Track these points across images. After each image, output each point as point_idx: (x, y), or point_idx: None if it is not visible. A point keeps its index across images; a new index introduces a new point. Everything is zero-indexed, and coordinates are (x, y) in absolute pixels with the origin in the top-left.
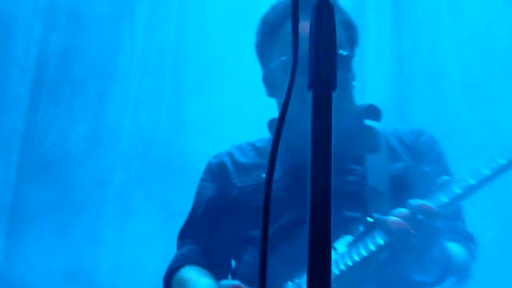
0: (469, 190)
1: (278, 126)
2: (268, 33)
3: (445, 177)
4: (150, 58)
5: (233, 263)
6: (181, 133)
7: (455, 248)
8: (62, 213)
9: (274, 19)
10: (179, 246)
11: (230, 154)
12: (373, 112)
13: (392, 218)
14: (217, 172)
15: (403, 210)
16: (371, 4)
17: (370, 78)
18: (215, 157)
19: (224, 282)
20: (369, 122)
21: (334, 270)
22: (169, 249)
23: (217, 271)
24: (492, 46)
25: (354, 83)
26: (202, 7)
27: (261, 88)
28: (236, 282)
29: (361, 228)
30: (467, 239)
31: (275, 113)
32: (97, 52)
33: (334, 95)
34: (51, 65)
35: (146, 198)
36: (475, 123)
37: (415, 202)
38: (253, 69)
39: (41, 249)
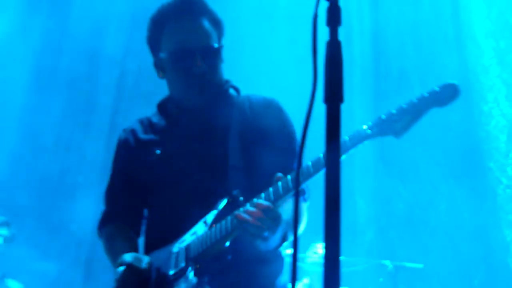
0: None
1: (304, 129)
2: (156, 30)
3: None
4: None
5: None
6: None
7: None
8: None
9: (160, 20)
10: (105, 204)
11: (133, 131)
12: (233, 85)
13: (246, 210)
14: (124, 147)
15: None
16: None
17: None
18: (123, 131)
19: (127, 255)
20: (231, 90)
21: (202, 247)
22: None
23: (132, 224)
24: None
25: (222, 65)
26: None
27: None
28: (131, 257)
29: (224, 202)
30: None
31: (166, 92)
32: None
33: (207, 71)
34: (128, 82)
35: None
36: None
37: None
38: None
39: None
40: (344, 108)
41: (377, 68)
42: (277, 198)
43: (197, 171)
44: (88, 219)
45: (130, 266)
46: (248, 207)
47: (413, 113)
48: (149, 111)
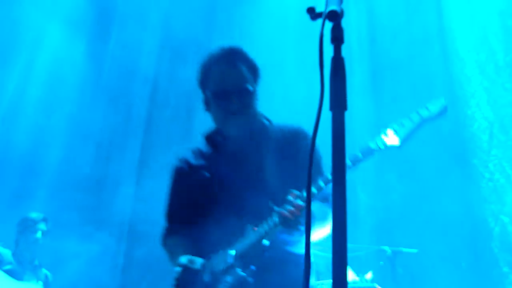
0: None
1: (314, 131)
2: (204, 73)
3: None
4: None
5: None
6: None
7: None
8: None
9: (207, 64)
10: (167, 223)
11: (186, 160)
12: (265, 117)
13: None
14: (179, 173)
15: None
16: None
17: None
18: (179, 160)
19: (182, 258)
20: (265, 121)
21: (246, 246)
22: None
23: (192, 238)
24: None
25: (256, 102)
26: None
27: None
28: (186, 259)
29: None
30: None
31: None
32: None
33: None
34: (158, 95)
35: None
36: None
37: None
38: None
39: None
40: (347, 114)
41: (375, 79)
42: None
43: (241, 190)
44: (125, 215)
45: (185, 267)
46: (288, 206)
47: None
48: (176, 121)
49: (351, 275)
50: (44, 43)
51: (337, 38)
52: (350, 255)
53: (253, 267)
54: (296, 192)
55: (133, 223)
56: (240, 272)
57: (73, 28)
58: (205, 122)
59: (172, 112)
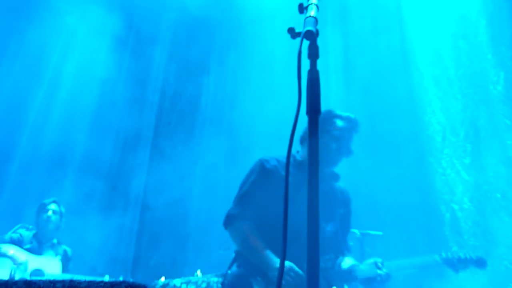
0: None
1: (292, 132)
2: (331, 119)
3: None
4: None
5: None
6: None
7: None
8: None
9: (342, 122)
10: (236, 205)
11: (276, 167)
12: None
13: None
14: (265, 173)
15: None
16: None
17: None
18: (266, 161)
19: (294, 265)
20: (335, 184)
21: None
22: None
23: (255, 226)
24: None
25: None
26: None
27: None
28: (297, 268)
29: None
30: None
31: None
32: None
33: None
34: (166, 100)
35: None
36: None
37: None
38: None
39: None
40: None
41: (347, 89)
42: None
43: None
44: (138, 197)
45: (300, 276)
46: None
47: (464, 263)
48: (181, 122)
49: None
50: (73, 51)
51: (313, 54)
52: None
53: None
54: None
55: (145, 205)
56: None
57: (97, 40)
58: (204, 123)
59: (177, 115)
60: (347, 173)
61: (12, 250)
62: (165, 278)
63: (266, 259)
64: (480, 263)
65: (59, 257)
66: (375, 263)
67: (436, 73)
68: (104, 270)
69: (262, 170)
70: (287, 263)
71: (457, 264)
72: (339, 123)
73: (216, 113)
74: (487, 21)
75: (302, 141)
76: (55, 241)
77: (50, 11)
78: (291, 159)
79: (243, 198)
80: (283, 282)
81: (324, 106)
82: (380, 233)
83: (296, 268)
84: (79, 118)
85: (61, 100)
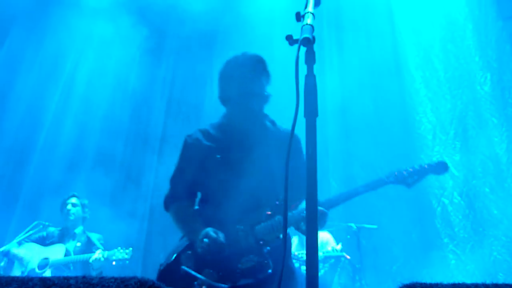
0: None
1: (291, 132)
2: (229, 73)
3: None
4: None
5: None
6: None
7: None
8: None
9: (234, 68)
10: (171, 186)
11: (198, 139)
12: (270, 118)
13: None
14: (190, 148)
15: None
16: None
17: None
18: (189, 136)
19: (210, 230)
20: (268, 122)
21: (266, 232)
22: None
23: (192, 203)
24: None
25: (266, 105)
26: None
27: None
28: (213, 233)
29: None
30: None
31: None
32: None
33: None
34: (173, 104)
35: None
36: None
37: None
38: None
39: None
40: (318, 119)
41: (342, 91)
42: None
43: (248, 175)
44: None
45: (214, 240)
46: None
47: (418, 175)
48: (187, 124)
49: (332, 242)
50: (86, 58)
51: (310, 59)
52: (323, 230)
53: (268, 248)
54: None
55: (154, 204)
56: (264, 252)
57: (109, 48)
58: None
59: (183, 118)
60: (343, 170)
61: (21, 251)
62: None
63: (191, 230)
64: (440, 167)
65: (73, 244)
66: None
67: (426, 75)
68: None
69: (186, 147)
70: (206, 229)
71: (408, 177)
72: (239, 76)
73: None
74: (474, 25)
75: (223, 103)
76: (77, 231)
77: (65, 20)
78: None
79: (174, 179)
80: (200, 250)
81: (320, 109)
82: (375, 226)
83: (212, 233)
84: (92, 121)
85: (75, 104)
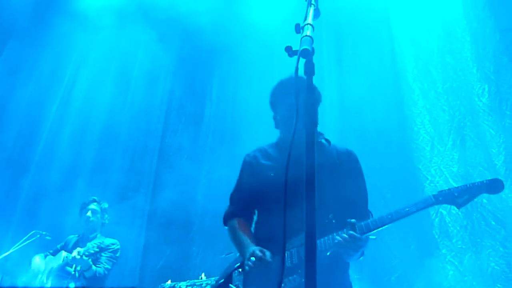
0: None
1: (290, 143)
2: (275, 99)
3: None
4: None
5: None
6: None
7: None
8: None
9: (278, 92)
10: (230, 203)
11: (255, 157)
12: (325, 137)
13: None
14: (248, 166)
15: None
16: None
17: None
18: (247, 155)
19: (256, 249)
20: (324, 141)
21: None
22: None
23: (248, 220)
24: None
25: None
26: None
27: None
28: (259, 251)
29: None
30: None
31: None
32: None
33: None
34: (173, 105)
35: None
36: None
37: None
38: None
39: None
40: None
41: (342, 102)
42: (363, 232)
43: (300, 194)
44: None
45: (260, 258)
46: (345, 234)
47: (469, 194)
48: (186, 134)
49: None
50: (84, 69)
51: (309, 70)
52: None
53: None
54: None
55: (152, 211)
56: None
57: (107, 58)
58: (207, 133)
59: (182, 126)
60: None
61: (37, 261)
62: (171, 281)
63: (242, 249)
64: (494, 185)
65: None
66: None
67: (424, 86)
68: (113, 274)
69: (244, 165)
70: (252, 248)
71: (458, 197)
72: (283, 100)
73: (219, 125)
74: (471, 37)
75: (276, 126)
76: (92, 236)
77: (64, 30)
78: (271, 148)
79: (233, 196)
80: (246, 268)
81: (319, 119)
82: (374, 237)
83: (258, 252)
84: (91, 130)
85: (74, 113)
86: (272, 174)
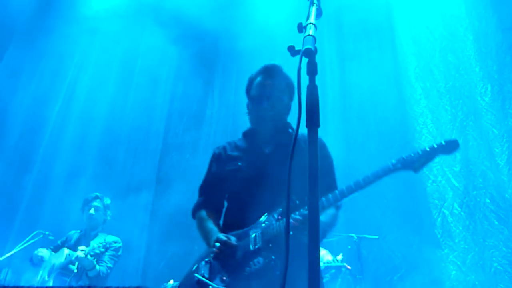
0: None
1: (293, 143)
2: (249, 83)
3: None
4: None
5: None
6: None
7: (328, 213)
8: None
9: (253, 77)
10: (199, 195)
11: (224, 148)
12: (291, 126)
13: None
14: (217, 158)
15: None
16: None
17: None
18: (217, 148)
19: (220, 234)
20: (290, 130)
21: (273, 233)
22: None
23: (216, 211)
24: None
25: (287, 112)
26: None
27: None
28: (224, 236)
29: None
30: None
31: (248, 124)
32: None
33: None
34: (174, 111)
35: None
36: None
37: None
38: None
39: None
40: (320, 130)
41: (344, 102)
42: (324, 208)
43: (266, 180)
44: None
45: (224, 243)
46: (297, 215)
47: (426, 157)
48: (187, 134)
49: (328, 256)
50: (86, 69)
51: (312, 70)
52: (325, 241)
53: (278, 251)
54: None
55: (154, 211)
56: (270, 254)
57: (108, 58)
58: (209, 132)
59: (184, 127)
60: (343, 180)
61: (43, 253)
62: (174, 281)
63: (208, 239)
64: (450, 146)
65: (86, 249)
66: None
67: (427, 86)
68: (116, 273)
69: (213, 157)
70: (217, 235)
71: (416, 161)
72: (256, 81)
73: (221, 124)
74: (474, 36)
75: (249, 113)
76: (94, 233)
77: (65, 31)
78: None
79: (201, 188)
80: (211, 255)
81: (321, 118)
82: (376, 237)
83: (223, 237)
84: (93, 129)
85: (76, 114)
86: (239, 164)
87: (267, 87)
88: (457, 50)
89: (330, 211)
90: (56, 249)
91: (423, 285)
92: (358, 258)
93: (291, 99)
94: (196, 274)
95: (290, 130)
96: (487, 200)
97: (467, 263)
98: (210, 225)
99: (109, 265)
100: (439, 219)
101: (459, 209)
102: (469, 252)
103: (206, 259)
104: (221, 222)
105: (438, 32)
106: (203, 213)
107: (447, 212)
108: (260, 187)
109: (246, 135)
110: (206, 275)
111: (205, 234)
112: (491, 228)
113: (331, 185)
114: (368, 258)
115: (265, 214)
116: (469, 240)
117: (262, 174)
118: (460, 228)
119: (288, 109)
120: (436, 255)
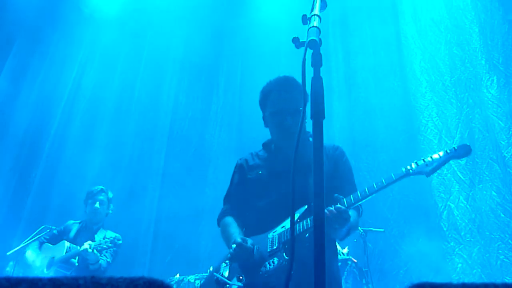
0: (365, 196)
1: (297, 136)
2: (265, 97)
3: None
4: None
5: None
6: None
7: (351, 214)
8: None
9: (268, 91)
10: (224, 204)
11: (246, 159)
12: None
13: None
14: (239, 168)
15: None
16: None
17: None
18: (240, 159)
19: (238, 237)
20: (310, 138)
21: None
22: None
23: (239, 217)
24: None
25: (306, 121)
26: None
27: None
28: (240, 239)
29: (305, 208)
30: (358, 206)
31: (268, 136)
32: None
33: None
34: (178, 111)
35: None
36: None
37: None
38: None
39: None
40: (325, 122)
41: (349, 95)
42: (349, 206)
43: (286, 188)
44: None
45: (239, 245)
46: (329, 208)
47: (438, 162)
48: (191, 136)
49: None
50: (89, 71)
51: (316, 62)
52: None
53: (295, 252)
54: (338, 198)
55: (160, 207)
56: (285, 256)
57: (112, 59)
58: (214, 127)
59: (189, 125)
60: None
61: (29, 255)
62: (180, 275)
63: (229, 242)
64: (462, 150)
65: (92, 244)
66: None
67: (432, 79)
68: (123, 268)
69: (236, 167)
70: (235, 237)
71: (428, 166)
72: (273, 97)
73: (226, 119)
74: (480, 28)
75: (266, 125)
76: (95, 227)
77: (70, 31)
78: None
79: (226, 198)
80: (229, 256)
81: (327, 111)
82: (382, 229)
83: (239, 239)
84: (98, 126)
85: (81, 111)
86: (260, 172)
87: (287, 102)
88: (463, 43)
89: (354, 214)
90: (52, 239)
91: (429, 278)
92: (364, 251)
93: (305, 105)
94: (215, 273)
95: (311, 139)
96: (493, 193)
97: (473, 256)
98: (232, 229)
99: (109, 260)
100: (445, 212)
101: (465, 202)
102: (475, 245)
103: (227, 261)
104: (244, 228)
105: (444, 25)
106: (226, 219)
107: (453, 205)
108: (281, 193)
109: (266, 145)
110: (225, 275)
111: (227, 238)
112: (497, 221)
113: (352, 192)
114: (374, 251)
115: (287, 219)
116: (475, 233)
117: (281, 183)
118: (466, 221)
119: (304, 116)
120: (442, 248)
